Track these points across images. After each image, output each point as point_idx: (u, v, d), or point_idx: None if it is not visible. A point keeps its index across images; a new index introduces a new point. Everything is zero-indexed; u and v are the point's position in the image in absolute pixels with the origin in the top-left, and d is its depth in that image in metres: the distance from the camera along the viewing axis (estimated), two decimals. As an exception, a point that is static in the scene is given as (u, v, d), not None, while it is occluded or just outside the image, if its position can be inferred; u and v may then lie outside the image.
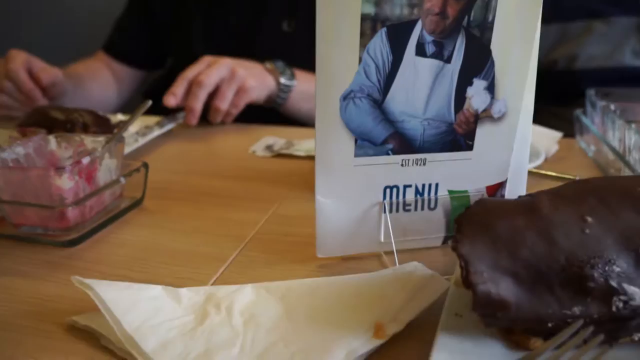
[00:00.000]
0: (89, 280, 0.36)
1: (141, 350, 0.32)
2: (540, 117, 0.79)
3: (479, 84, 0.40)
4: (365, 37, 0.37)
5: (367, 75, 0.39)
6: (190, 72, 0.82)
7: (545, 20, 1.10)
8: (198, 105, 0.81)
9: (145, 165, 0.56)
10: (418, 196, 0.44)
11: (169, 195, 0.60)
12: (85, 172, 0.48)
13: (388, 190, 0.43)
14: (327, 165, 0.41)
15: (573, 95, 0.99)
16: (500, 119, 0.42)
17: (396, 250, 0.44)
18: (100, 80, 1.10)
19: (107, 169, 0.51)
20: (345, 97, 0.39)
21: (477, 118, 0.42)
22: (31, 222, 0.48)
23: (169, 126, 0.83)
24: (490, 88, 0.41)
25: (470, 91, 0.41)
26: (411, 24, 0.37)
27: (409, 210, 0.44)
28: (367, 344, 0.32)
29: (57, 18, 1.54)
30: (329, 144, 0.40)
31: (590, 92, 0.71)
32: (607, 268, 0.30)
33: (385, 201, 0.44)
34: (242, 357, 0.32)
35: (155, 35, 1.15)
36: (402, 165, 0.42)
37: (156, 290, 0.37)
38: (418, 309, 0.35)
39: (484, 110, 0.42)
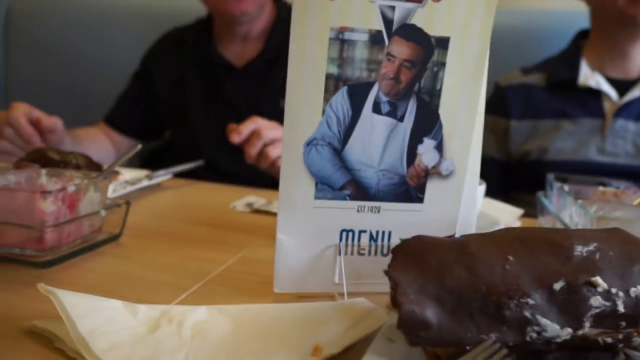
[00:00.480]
0: (55, 289, 0.39)
1: (90, 351, 0.34)
2: (513, 203, 0.85)
3: (428, 143, 0.46)
4: (329, 92, 0.43)
5: (329, 126, 0.44)
6: (253, 124, 0.89)
7: (520, 117, 1.19)
8: (254, 151, 0.87)
9: (127, 203, 0.60)
10: (372, 242, 0.48)
11: (146, 235, 0.63)
12: (68, 199, 0.52)
13: (344, 234, 0.47)
14: (289, 205, 0.45)
15: (543, 184, 1.05)
16: (448, 176, 0.47)
17: (348, 293, 0.46)
18: (99, 144, 1.18)
19: (90, 201, 0.55)
20: (308, 144, 0.44)
21: (428, 173, 0.47)
22: (11, 242, 0.51)
23: (158, 179, 0.88)
24: (439, 147, 0.46)
25: (420, 148, 0.46)
26: (369, 85, 0.44)
27: (363, 255, 0.48)
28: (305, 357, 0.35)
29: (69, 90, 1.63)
30: (292, 185, 0.45)
31: (550, 176, 0.77)
32: (522, 300, 0.33)
33: (340, 243, 0.47)
34: (185, 362, 0.34)
35: (154, 109, 1.25)
36: (358, 211, 0.47)
37: (116, 303, 0.40)
38: (357, 336, 0.38)
39: (434, 167, 0.47)
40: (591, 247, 0.37)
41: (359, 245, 0.48)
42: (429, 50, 0.43)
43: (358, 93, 0.44)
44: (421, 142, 0.46)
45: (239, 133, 0.87)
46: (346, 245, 0.47)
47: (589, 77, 1.13)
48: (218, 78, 1.17)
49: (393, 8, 0.42)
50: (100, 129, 1.23)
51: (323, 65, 0.42)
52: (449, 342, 0.33)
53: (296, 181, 0.45)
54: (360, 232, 0.47)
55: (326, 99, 0.43)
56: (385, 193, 0.47)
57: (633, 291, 0.34)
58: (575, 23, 1.23)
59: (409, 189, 0.47)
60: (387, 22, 0.42)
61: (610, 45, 1.13)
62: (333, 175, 0.45)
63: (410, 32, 0.43)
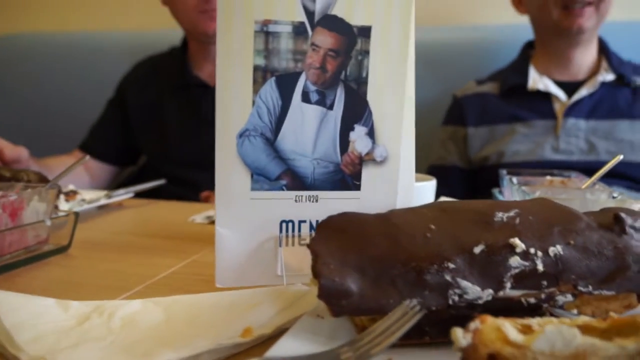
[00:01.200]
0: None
1: (14, 342, 0.34)
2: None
3: (360, 130, 0.47)
4: (257, 84, 0.44)
5: (259, 117, 0.45)
6: None
7: (476, 124, 1.22)
8: None
9: (76, 214, 0.59)
10: (313, 231, 0.48)
11: (97, 247, 0.63)
12: (10, 207, 0.51)
13: (284, 224, 0.48)
14: (226, 197, 0.46)
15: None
16: (382, 162, 0.48)
17: (290, 285, 0.46)
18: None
19: (34, 211, 0.55)
20: (241, 135, 0.45)
21: (362, 160, 0.48)
22: (-49, 254, 0.51)
23: (118, 198, 0.88)
24: (371, 134, 0.47)
25: (352, 135, 0.47)
26: (296, 75, 0.45)
27: (304, 245, 0.48)
28: (232, 340, 0.34)
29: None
30: (228, 177, 0.45)
31: (503, 172, 0.78)
32: (443, 265, 0.34)
33: (280, 235, 0.47)
34: (109, 348, 0.34)
35: (130, 134, 1.26)
36: (296, 200, 0.47)
37: (49, 300, 0.39)
38: (290, 317, 0.38)
39: (367, 154, 0.48)
40: (512, 213, 0.38)
41: (299, 236, 0.48)
42: (351, 39, 0.45)
43: (286, 83, 0.45)
44: (352, 129, 0.47)
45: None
46: (286, 236, 0.48)
47: (538, 81, 1.17)
48: (194, 99, 1.19)
49: (314, 0, 0.43)
50: (74, 157, 1.22)
51: (250, 58, 0.44)
52: (371, 309, 0.33)
53: (231, 173, 0.45)
54: (300, 222, 0.48)
55: (255, 90, 0.44)
56: (322, 182, 0.47)
57: (552, 250, 0.35)
58: (526, 35, 1.28)
59: (345, 177, 0.48)
60: (309, 13, 0.44)
61: (554, 52, 1.17)
62: (268, 165, 0.46)
63: (332, 23, 0.44)
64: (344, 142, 0.47)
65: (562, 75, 1.18)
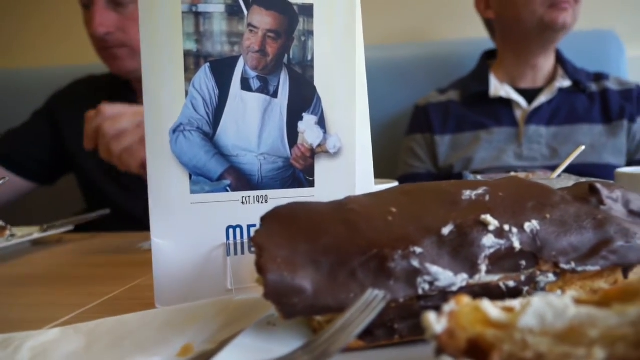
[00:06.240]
0: None
1: None
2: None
3: (309, 119, 0.42)
4: (190, 71, 0.39)
5: (195, 108, 0.40)
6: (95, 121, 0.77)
7: (442, 132, 1.21)
8: (103, 154, 0.77)
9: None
10: (264, 236, 0.43)
11: (24, 282, 0.55)
12: None
13: (231, 230, 0.42)
14: (162, 203, 0.40)
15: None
16: (337, 154, 0.44)
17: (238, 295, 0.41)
18: None
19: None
20: (174, 130, 0.40)
21: (314, 153, 0.43)
22: None
23: (53, 232, 0.79)
24: (322, 123, 0.43)
25: (301, 126, 0.42)
26: (233, 60, 0.40)
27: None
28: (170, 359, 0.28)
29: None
30: (162, 179, 0.40)
31: (466, 173, 0.75)
32: (409, 249, 0.29)
33: (228, 242, 0.42)
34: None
35: (57, 152, 1.15)
36: (243, 202, 0.42)
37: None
38: (238, 329, 0.32)
39: (319, 145, 0.43)
40: (480, 191, 0.33)
41: (249, 243, 0.42)
42: (293, 18, 0.41)
43: (222, 69, 0.40)
44: (301, 118, 0.42)
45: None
46: (234, 243, 0.42)
47: (499, 88, 1.17)
48: None
49: (247, -24, 0.40)
50: None
51: (179, 42, 0.39)
52: (329, 307, 0.28)
53: (166, 175, 0.40)
54: (249, 226, 0.42)
55: (188, 79, 0.39)
56: (271, 179, 0.42)
57: (527, 226, 0.31)
58: (482, 48, 1.29)
59: (296, 173, 0.43)
60: (243, -9, 0.40)
61: (521, 58, 1.17)
62: (208, 164, 0.41)
63: (270, 1, 0.40)
64: (293, 134, 0.42)
65: (524, 82, 1.19)
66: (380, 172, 1.40)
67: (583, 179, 0.57)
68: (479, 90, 1.18)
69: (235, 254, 0.42)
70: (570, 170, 0.76)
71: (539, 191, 0.34)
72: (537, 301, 0.21)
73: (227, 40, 0.40)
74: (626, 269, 0.32)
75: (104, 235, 0.86)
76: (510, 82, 1.20)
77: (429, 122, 1.22)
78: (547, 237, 0.31)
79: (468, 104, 1.20)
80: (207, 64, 0.40)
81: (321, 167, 0.43)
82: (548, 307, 0.21)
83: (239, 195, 0.42)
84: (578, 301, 0.22)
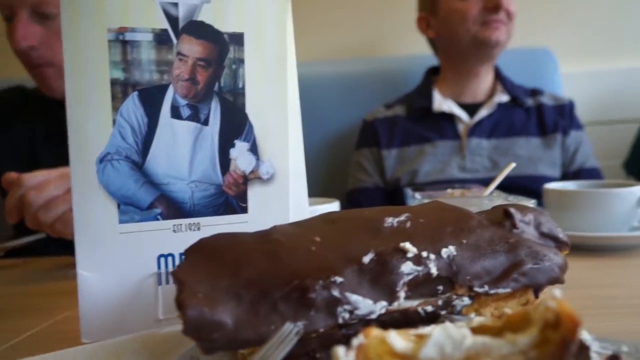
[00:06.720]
0: None
1: None
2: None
3: (241, 146, 0.43)
4: (117, 100, 0.39)
5: (123, 137, 0.40)
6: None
7: (389, 146, 1.24)
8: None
9: None
10: (197, 264, 0.43)
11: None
12: None
13: (162, 259, 0.42)
14: (89, 234, 0.39)
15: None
16: (270, 180, 0.44)
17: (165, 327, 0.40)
18: None
19: None
20: (101, 160, 0.39)
21: (247, 179, 0.43)
22: None
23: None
24: (254, 150, 0.43)
25: (233, 152, 0.43)
26: (163, 88, 0.40)
27: (188, 280, 0.42)
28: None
29: None
30: (88, 210, 0.39)
31: (407, 190, 0.77)
32: (330, 279, 0.30)
33: (159, 271, 0.41)
34: None
35: None
36: (174, 231, 0.42)
37: None
38: (161, 364, 0.32)
39: (252, 172, 0.43)
40: (402, 218, 0.35)
41: (182, 270, 0.42)
42: (223, 47, 0.41)
43: (151, 98, 0.40)
44: (233, 145, 0.43)
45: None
46: (166, 272, 0.42)
47: (442, 103, 1.22)
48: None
49: (176, 5, 0.40)
50: None
51: (106, 71, 0.39)
52: (249, 341, 0.28)
53: (92, 205, 0.39)
54: (181, 255, 0.42)
55: (115, 108, 0.39)
56: (203, 207, 0.42)
57: (445, 251, 0.32)
58: (427, 64, 1.34)
59: (229, 199, 0.43)
60: (172, 19, 0.40)
61: (461, 74, 1.22)
62: (137, 193, 0.40)
63: (200, 30, 0.40)
64: (225, 161, 0.42)
65: (466, 97, 1.23)
66: (330, 187, 1.43)
67: (511, 197, 0.59)
68: (423, 105, 1.22)
69: (167, 283, 0.42)
70: (508, 182, 0.79)
71: (457, 216, 0.35)
72: (437, 332, 0.22)
73: (156, 68, 0.40)
74: (536, 290, 0.34)
75: (38, 261, 0.83)
76: (453, 97, 1.24)
77: (376, 136, 1.24)
78: (462, 262, 0.32)
79: (413, 119, 1.23)
80: (136, 93, 0.39)
81: (254, 193, 0.44)
82: (447, 338, 0.22)
83: (170, 223, 0.41)
84: (475, 330, 0.23)
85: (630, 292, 0.48)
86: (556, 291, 0.35)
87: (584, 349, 0.26)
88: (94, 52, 0.38)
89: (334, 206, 0.63)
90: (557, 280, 0.34)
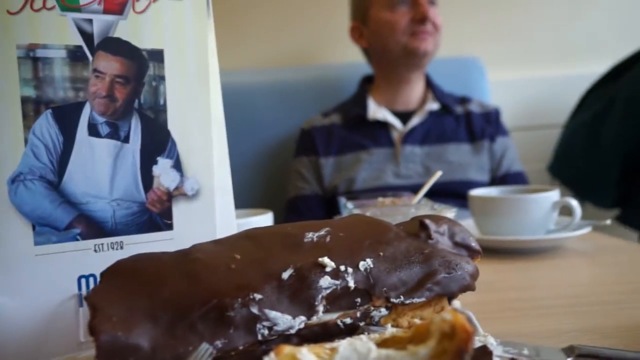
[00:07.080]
0: None
1: None
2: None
3: (164, 163, 0.42)
4: (29, 118, 0.38)
5: (36, 157, 0.38)
6: None
7: (326, 154, 1.25)
8: None
9: None
10: (120, 284, 0.42)
11: None
12: None
13: (83, 280, 0.40)
14: (2, 258, 0.38)
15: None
16: (195, 196, 0.44)
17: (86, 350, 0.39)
18: None
19: None
20: (13, 180, 0.38)
21: (171, 196, 0.43)
22: None
23: None
24: (178, 166, 0.43)
25: (156, 170, 0.42)
26: (79, 106, 0.39)
27: (111, 301, 0.41)
28: None
29: None
30: (1, 232, 0.37)
31: (341, 198, 0.79)
32: (249, 297, 0.30)
33: (80, 293, 0.40)
34: None
35: None
36: (95, 250, 0.41)
37: None
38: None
39: (177, 188, 0.43)
40: (322, 232, 0.36)
41: (104, 291, 0.41)
42: (142, 63, 0.41)
43: (66, 115, 0.39)
44: (155, 162, 0.42)
45: None
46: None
47: (377, 111, 1.25)
48: None
49: (91, 21, 0.39)
50: None
51: (16, 88, 0.37)
52: (167, 363, 0.28)
53: (5, 227, 0.37)
54: (104, 275, 0.41)
55: (27, 126, 0.38)
56: (126, 225, 0.41)
57: (362, 264, 0.33)
58: (363, 71, 1.37)
59: (153, 217, 0.42)
60: (87, 36, 0.39)
61: (393, 82, 1.26)
62: (53, 213, 0.39)
63: (116, 46, 0.40)
64: (147, 178, 0.42)
65: (399, 105, 1.27)
66: (269, 195, 1.43)
67: (436, 205, 0.62)
68: (359, 114, 1.25)
69: (89, 304, 0.40)
70: (441, 187, 0.82)
71: (375, 229, 0.37)
72: (344, 347, 0.23)
73: (71, 85, 0.39)
74: (450, 298, 0.36)
75: None
76: (386, 105, 1.28)
77: (314, 144, 1.26)
78: (379, 274, 0.33)
79: (349, 127, 1.26)
80: (49, 111, 0.38)
81: (179, 209, 0.43)
82: (353, 352, 0.23)
83: (90, 243, 0.40)
84: (385, 342, 0.24)
85: (541, 294, 0.52)
86: (456, 302, 0.37)
87: (487, 353, 0.28)
88: (2, 70, 0.37)
89: (266, 218, 0.64)
90: (468, 288, 0.35)
